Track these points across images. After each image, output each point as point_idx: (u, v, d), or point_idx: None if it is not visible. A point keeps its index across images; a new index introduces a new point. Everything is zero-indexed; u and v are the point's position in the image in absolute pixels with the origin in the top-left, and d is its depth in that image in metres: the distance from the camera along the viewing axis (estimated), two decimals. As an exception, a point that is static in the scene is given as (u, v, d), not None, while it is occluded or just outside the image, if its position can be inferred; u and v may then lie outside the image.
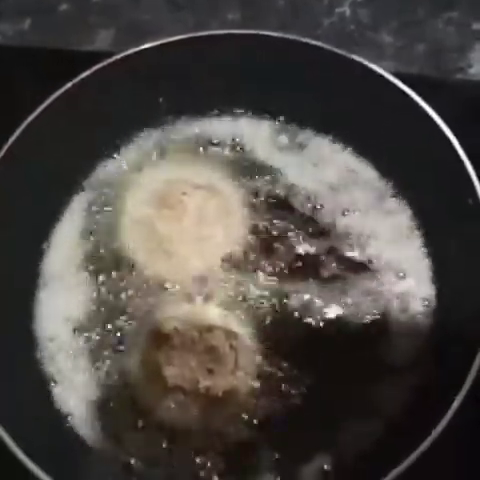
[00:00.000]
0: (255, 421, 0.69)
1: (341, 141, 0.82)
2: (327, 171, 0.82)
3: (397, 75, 0.76)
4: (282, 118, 0.84)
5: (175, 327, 0.71)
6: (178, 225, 0.77)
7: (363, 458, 0.66)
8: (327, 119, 0.81)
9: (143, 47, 0.77)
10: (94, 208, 0.81)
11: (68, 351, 0.74)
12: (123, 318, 0.75)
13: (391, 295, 0.74)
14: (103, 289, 0.77)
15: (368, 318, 0.73)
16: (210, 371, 0.70)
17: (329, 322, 0.73)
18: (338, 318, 0.74)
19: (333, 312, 0.74)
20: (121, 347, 0.74)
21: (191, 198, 0.78)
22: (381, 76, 0.76)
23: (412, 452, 0.59)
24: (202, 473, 0.68)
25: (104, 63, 0.77)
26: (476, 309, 0.65)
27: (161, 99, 0.82)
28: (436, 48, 0.96)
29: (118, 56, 0.77)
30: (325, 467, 0.67)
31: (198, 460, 0.68)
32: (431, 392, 0.67)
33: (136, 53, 0.77)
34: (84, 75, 0.77)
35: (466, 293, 0.68)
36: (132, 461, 0.68)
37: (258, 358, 0.72)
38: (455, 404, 0.60)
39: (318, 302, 0.74)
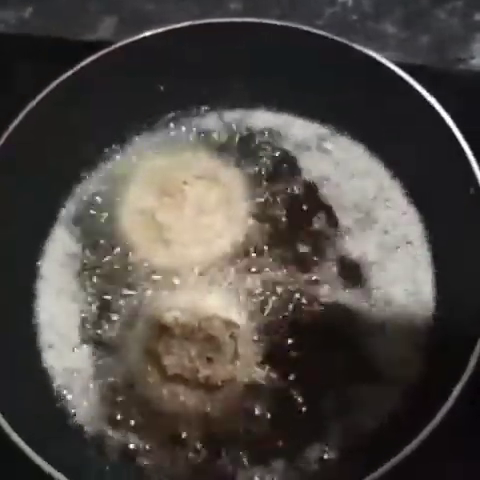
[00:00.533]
0: (256, 411, 0.69)
1: (341, 130, 0.82)
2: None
3: (400, 65, 0.76)
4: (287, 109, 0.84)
5: (175, 316, 0.71)
6: (179, 214, 0.77)
7: (360, 449, 0.67)
8: (329, 108, 0.81)
9: (142, 36, 0.77)
10: (95, 198, 0.81)
11: (68, 344, 0.74)
12: (123, 308, 0.75)
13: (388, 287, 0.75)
14: (103, 280, 0.77)
15: (369, 309, 0.73)
16: (210, 360, 0.70)
17: (330, 312, 0.73)
18: (339, 309, 0.74)
19: (334, 303, 0.74)
20: (121, 337, 0.74)
21: (192, 187, 0.78)
22: (383, 65, 0.75)
23: (410, 443, 0.59)
24: (200, 461, 0.68)
25: (103, 52, 0.77)
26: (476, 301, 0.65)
27: (162, 87, 0.82)
28: (439, 39, 0.96)
29: (117, 45, 0.77)
30: (324, 456, 0.67)
31: (198, 448, 0.69)
32: (429, 387, 0.67)
33: (135, 42, 0.77)
34: (84, 64, 0.76)
35: (467, 284, 0.68)
36: (131, 448, 0.69)
37: (258, 348, 0.72)
38: (451, 399, 0.60)
39: (320, 292, 0.75)
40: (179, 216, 0.77)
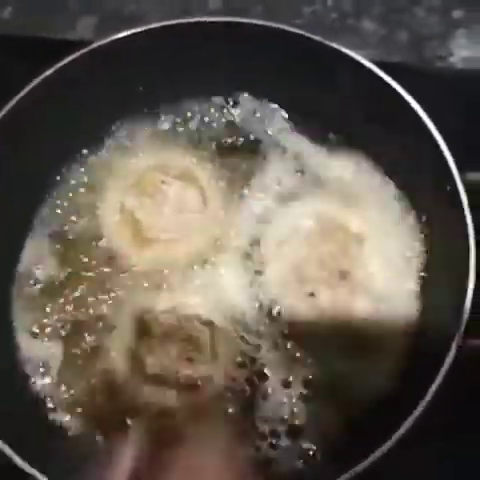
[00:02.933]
0: (231, 410, 0.70)
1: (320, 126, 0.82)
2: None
3: (379, 64, 0.75)
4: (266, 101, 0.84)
5: (155, 316, 0.72)
6: (158, 213, 0.78)
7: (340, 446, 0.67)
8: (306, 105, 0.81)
9: (121, 35, 0.76)
10: (74, 200, 0.81)
11: (46, 340, 0.74)
12: (104, 308, 0.75)
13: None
14: (84, 281, 0.76)
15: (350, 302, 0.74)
16: (189, 360, 0.70)
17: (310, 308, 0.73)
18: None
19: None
20: (102, 335, 0.73)
21: (170, 187, 0.78)
22: (360, 64, 0.75)
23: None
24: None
25: (83, 51, 0.76)
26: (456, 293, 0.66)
27: (141, 87, 0.82)
28: (418, 36, 0.96)
29: (95, 45, 0.76)
30: (312, 447, 0.68)
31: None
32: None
33: (114, 41, 0.76)
34: (63, 63, 0.76)
35: (447, 276, 0.69)
36: (108, 446, 0.69)
37: (238, 346, 0.72)
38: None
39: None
40: (159, 214, 0.77)
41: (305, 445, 0.68)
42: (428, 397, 0.60)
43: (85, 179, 0.82)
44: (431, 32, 0.96)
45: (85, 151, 0.83)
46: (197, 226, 0.78)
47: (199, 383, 0.69)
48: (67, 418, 0.71)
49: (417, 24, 0.97)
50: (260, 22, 0.77)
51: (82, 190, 0.81)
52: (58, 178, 0.81)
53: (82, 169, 0.82)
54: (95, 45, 0.77)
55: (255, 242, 0.77)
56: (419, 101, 0.73)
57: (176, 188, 0.79)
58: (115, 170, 0.81)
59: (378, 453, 0.59)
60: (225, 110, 0.84)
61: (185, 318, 0.71)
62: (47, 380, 0.72)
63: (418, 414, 0.60)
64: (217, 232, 0.78)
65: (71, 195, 0.81)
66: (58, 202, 0.81)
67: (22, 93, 0.75)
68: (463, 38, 0.96)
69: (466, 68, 0.94)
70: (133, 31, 0.76)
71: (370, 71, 0.75)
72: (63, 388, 0.72)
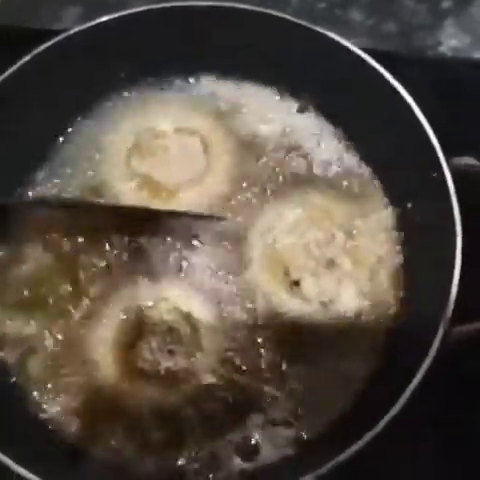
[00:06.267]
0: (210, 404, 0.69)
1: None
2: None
3: (367, 52, 0.74)
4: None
5: (138, 308, 0.71)
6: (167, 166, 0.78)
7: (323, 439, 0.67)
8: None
9: (99, 21, 0.75)
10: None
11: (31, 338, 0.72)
12: (85, 301, 0.73)
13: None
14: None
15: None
16: (171, 353, 0.69)
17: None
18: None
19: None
20: (83, 327, 0.72)
21: (171, 140, 0.79)
22: (349, 51, 0.74)
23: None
24: (164, 453, 0.67)
25: (60, 37, 0.75)
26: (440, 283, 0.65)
27: (122, 74, 0.82)
28: (406, 26, 0.96)
29: (72, 31, 0.76)
30: (302, 435, 0.67)
31: (158, 439, 0.68)
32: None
33: (92, 27, 0.75)
34: (40, 49, 0.75)
35: (433, 263, 0.68)
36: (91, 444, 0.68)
37: (220, 339, 0.71)
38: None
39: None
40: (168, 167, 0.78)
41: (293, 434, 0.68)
42: (415, 383, 0.60)
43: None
44: (420, 22, 0.96)
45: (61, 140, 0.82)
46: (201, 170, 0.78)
47: (180, 375, 0.68)
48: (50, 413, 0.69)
49: (406, 13, 0.96)
50: (245, 7, 0.76)
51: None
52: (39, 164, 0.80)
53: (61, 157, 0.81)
54: (71, 32, 0.76)
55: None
56: (407, 89, 0.72)
57: (174, 139, 0.79)
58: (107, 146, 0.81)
59: (365, 439, 0.58)
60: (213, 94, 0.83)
61: (166, 310, 0.71)
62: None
63: (405, 400, 0.59)
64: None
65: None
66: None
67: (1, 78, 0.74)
68: (451, 28, 0.95)
69: (454, 56, 0.93)
70: (110, 17, 0.75)
71: (357, 57, 0.74)
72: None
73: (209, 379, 0.69)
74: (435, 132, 0.69)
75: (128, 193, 0.77)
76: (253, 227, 0.76)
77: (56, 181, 0.79)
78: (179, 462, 0.67)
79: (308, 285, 0.72)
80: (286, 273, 0.73)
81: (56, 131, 0.81)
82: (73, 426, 0.68)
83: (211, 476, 0.66)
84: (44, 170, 0.80)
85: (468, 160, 0.68)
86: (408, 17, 0.96)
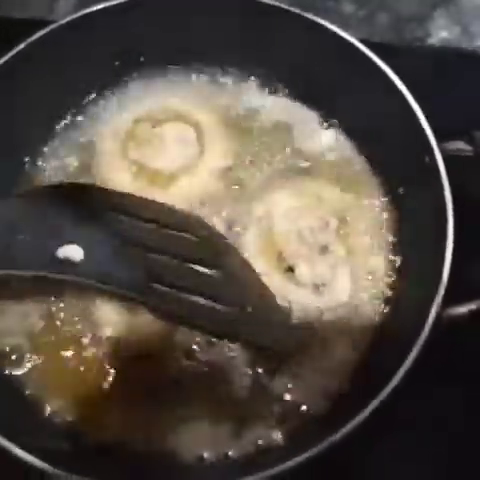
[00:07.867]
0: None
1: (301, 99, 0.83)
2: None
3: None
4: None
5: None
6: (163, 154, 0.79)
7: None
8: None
9: (86, 11, 0.76)
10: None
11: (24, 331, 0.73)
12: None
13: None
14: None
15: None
16: None
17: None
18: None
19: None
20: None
21: (164, 129, 0.80)
22: (342, 38, 0.76)
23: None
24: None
25: (51, 27, 0.75)
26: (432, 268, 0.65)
27: (116, 63, 0.82)
28: (397, 18, 0.96)
29: (65, 20, 0.76)
30: (302, 408, 0.68)
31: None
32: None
33: (81, 17, 0.75)
34: (30, 40, 0.75)
35: (425, 247, 0.69)
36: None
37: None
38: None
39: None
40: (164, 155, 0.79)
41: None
42: (407, 366, 0.60)
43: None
44: (410, 13, 0.96)
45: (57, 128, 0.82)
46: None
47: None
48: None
49: (396, 5, 0.97)
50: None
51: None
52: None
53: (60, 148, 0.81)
54: (64, 21, 0.76)
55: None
56: (399, 77, 0.73)
57: (169, 127, 0.80)
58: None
59: (355, 422, 0.59)
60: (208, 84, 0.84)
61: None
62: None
63: (397, 383, 0.59)
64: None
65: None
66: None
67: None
68: (442, 19, 0.96)
69: (444, 46, 0.95)
70: (98, 7, 0.75)
71: (351, 45, 0.75)
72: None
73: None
74: (427, 118, 0.70)
75: (125, 180, 0.78)
76: (248, 214, 0.76)
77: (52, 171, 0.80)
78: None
79: (302, 271, 0.73)
80: (280, 259, 0.73)
81: (50, 122, 0.82)
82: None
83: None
84: (40, 159, 0.80)
85: (459, 144, 0.69)
86: (399, 8, 0.97)
